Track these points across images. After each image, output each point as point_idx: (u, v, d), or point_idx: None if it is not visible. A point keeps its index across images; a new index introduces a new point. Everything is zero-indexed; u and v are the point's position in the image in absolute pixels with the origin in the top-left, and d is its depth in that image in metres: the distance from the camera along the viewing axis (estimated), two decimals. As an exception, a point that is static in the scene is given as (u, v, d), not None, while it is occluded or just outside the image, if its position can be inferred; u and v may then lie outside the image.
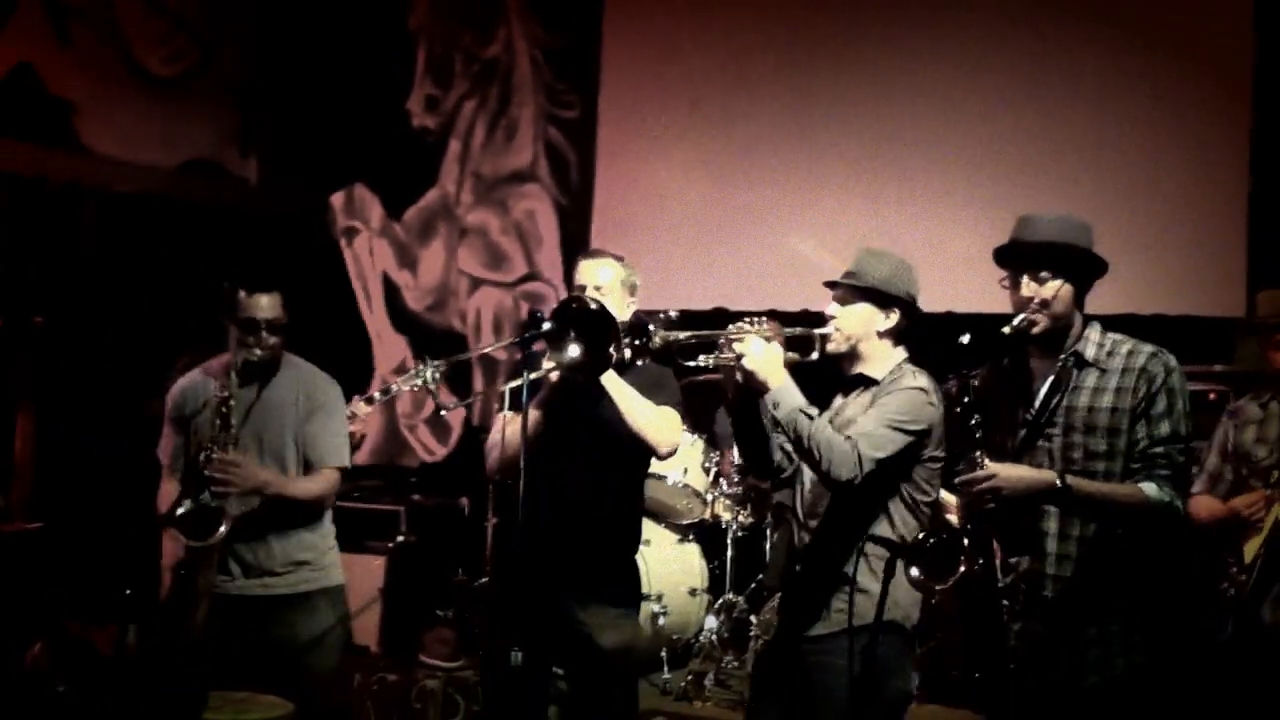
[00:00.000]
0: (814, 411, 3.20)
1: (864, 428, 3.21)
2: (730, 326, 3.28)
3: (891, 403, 3.25)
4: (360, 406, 4.74)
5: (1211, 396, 5.14)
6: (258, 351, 3.98)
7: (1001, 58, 6.16)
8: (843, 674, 3.18)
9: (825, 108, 6.57)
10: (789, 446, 3.38)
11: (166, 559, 4.07)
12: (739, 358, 3.22)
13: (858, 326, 3.38)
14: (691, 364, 3.33)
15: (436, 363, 4.59)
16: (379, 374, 7.82)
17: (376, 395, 4.79)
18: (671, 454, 3.98)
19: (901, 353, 3.43)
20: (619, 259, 4.02)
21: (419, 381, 4.62)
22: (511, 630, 3.75)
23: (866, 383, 3.39)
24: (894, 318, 3.38)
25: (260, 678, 3.95)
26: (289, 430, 4.11)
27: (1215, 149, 5.67)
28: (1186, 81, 5.77)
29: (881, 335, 3.39)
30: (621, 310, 3.87)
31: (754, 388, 3.23)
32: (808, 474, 3.40)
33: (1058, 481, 3.02)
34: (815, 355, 3.36)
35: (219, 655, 3.92)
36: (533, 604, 3.82)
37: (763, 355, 3.20)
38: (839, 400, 3.46)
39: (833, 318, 3.40)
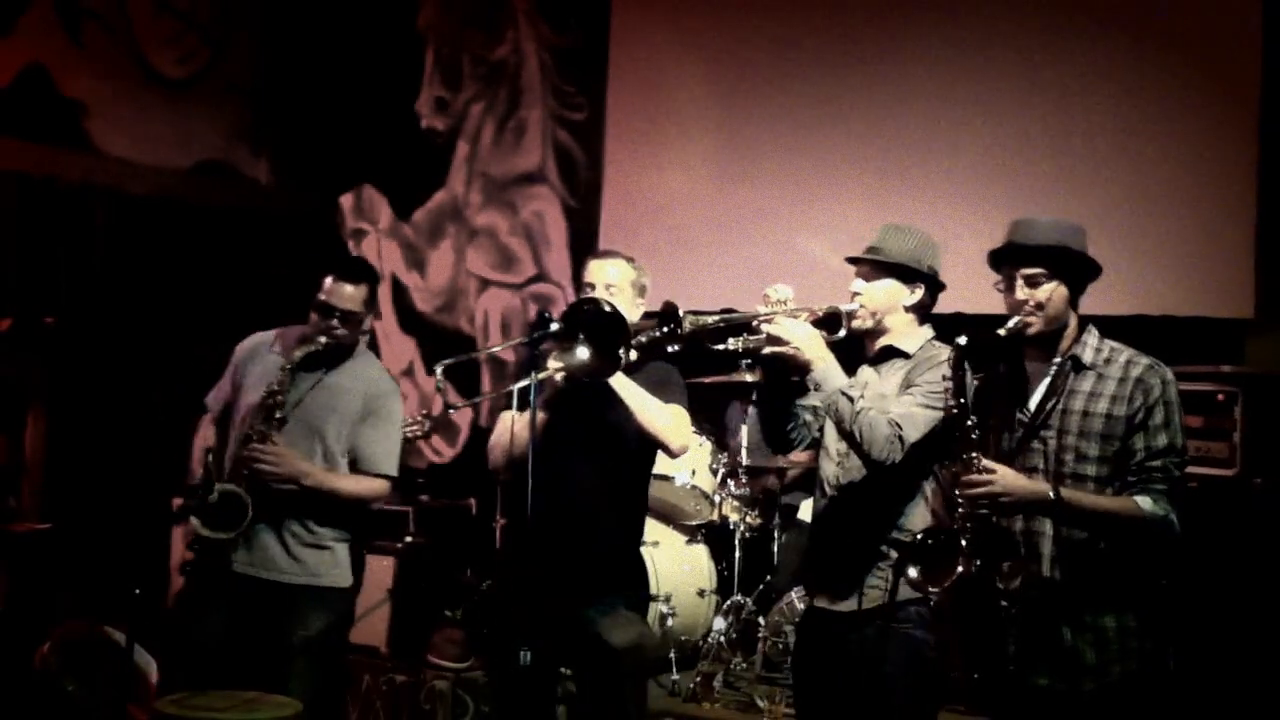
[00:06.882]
0: (855, 393, 3.20)
1: (904, 408, 3.22)
2: (760, 309, 3.29)
3: (928, 380, 3.26)
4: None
5: (1220, 398, 5.11)
6: (322, 339, 3.93)
7: (1009, 59, 6.13)
8: (888, 651, 3.20)
9: (833, 108, 6.55)
10: (808, 416, 3.42)
11: (176, 559, 4.08)
12: (771, 339, 3.23)
13: (883, 302, 3.39)
14: (720, 348, 3.31)
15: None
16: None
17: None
18: (683, 452, 3.99)
19: (929, 330, 3.45)
20: (629, 259, 4.01)
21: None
22: (520, 630, 3.75)
23: (899, 355, 3.39)
24: (919, 293, 3.40)
25: (250, 666, 3.91)
26: (340, 421, 4.01)
27: (1223, 149, 5.63)
28: (1194, 81, 5.72)
29: (907, 310, 3.41)
30: (630, 311, 3.85)
31: (796, 368, 3.24)
32: (833, 446, 3.42)
33: (1051, 494, 3.00)
34: (842, 332, 3.36)
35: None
36: (541, 603, 3.81)
37: (806, 336, 3.22)
38: (868, 372, 3.44)
39: (857, 294, 3.40)
